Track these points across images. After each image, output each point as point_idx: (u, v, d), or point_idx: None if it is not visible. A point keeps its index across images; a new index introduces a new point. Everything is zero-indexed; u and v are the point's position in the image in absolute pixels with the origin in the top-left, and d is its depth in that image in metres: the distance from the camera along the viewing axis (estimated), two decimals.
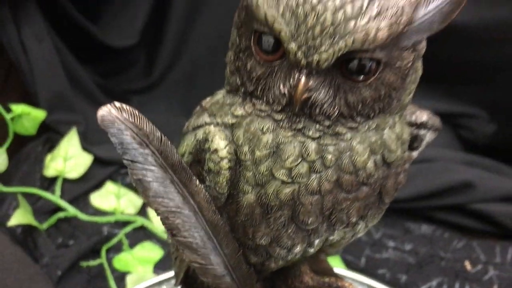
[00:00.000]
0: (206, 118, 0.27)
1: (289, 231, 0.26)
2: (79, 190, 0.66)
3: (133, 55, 0.91)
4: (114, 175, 0.69)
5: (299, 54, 0.22)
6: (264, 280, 0.34)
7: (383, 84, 0.24)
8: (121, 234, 0.60)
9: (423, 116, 0.30)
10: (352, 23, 0.21)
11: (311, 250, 0.28)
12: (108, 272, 0.55)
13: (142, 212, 0.64)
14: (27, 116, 0.63)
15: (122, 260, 0.57)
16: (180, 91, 0.94)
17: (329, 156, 0.24)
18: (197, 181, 0.25)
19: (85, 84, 0.81)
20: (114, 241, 0.59)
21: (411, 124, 0.30)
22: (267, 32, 0.23)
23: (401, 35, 0.23)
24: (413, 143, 0.31)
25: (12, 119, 0.62)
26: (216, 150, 0.25)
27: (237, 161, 0.25)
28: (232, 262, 0.28)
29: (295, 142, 0.24)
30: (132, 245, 0.59)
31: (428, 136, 0.31)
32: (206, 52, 0.92)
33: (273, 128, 0.24)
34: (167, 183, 0.25)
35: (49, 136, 0.70)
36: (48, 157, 0.67)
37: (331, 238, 0.28)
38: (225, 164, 0.25)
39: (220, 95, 0.28)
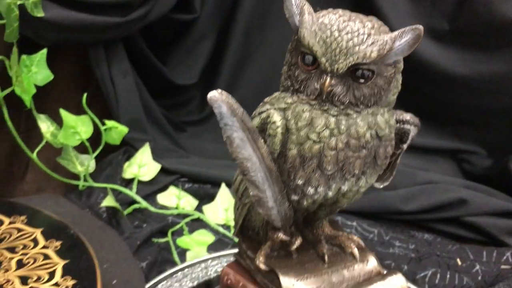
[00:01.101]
0: (267, 106, 0.44)
1: (316, 175, 0.42)
2: (149, 190, 0.83)
3: (192, 92, 1.11)
4: (175, 182, 0.87)
5: (326, 65, 0.39)
6: (296, 227, 0.50)
7: (376, 86, 0.41)
8: (182, 223, 0.76)
9: (407, 116, 0.46)
10: (357, 48, 0.38)
11: (330, 194, 0.43)
12: (173, 248, 0.71)
13: (198, 209, 0.81)
14: (115, 129, 0.82)
15: (183, 241, 0.73)
16: None
17: (342, 127, 0.40)
18: (262, 140, 0.42)
19: (154, 113, 1.00)
20: (177, 227, 0.75)
21: (400, 121, 0.46)
22: (309, 53, 0.40)
23: (385, 56, 0.39)
24: (403, 138, 0.47)
25: (105, 130, 0.80)
26: (274, 122, 0.42)
27: (286, 129, 0.42)
28: (279, 198, 0.44)
29: (322, 117, 0.40)
30: (190, 231, 0.75)
31: (412, 131, 0.47)
32: (252, 94, 1.11)
33: (309, 109, 0.41)
34: (244, 140, 0.41)
35: (127, 149, 0.89)
36: (126, 164, 0.85)
37: (343, 187, 0.43)
38: (279, 131, 0.42)
39: (276, 93, 0.45)
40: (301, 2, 0.41)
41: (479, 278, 0.67)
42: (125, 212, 0.77)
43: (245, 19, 1.07)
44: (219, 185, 0.83)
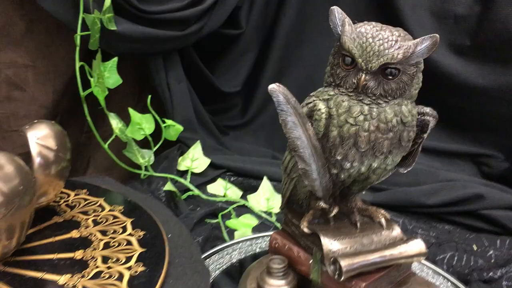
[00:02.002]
0: (313, 98, 0.55)
1: (352, 152, 0.53)
2: (200, 181, 0.95)
3: (235, 100, 1.23)
4: (222, 175, 0.99)
5: (362, 64, 0.50)
6: (333, 199, 0.60)
7: (401, 81, 0.51)
8: (230, 208, 0.88)
9: (427, 109, 0.56)
10: (386, 51, 0.49)
11: (363, 169, 0.54)
12: (223, 228, 0.83)
13: (242, 198, 0.92)
14: (173, 127, 0.94)
15: (231, 223, 0.84)
16: (265, 130, 1.24)
17: (374, 113, 0.51)
18: (309, 124, 0.53)
19: (202, 116, 1.12)
20: (226, 211, 0.87)
21: (421, 113, 0.56)
22: (348, 55, 0.51)
23: (409, 58, 0.50)
24: (423, 128, 0.57)
25: (165, 127, 0.93)
26: (319, 109, 0.53)
27: (329, 115, 0.53)
28: (322, 171, 0.55)
29: (358, 105, 0.51)
30: (237, 216, 0.87)
31: (431, 122, 0.57)
32: None
33: (347, 99, 0.52)
34: (296, 123, 0.52)
35: (180, 145, 1.01)
36: (180, 158, 0.98)
37: (373, 164, 0.54)
38: (323, 116, 0.53)
39: (320, 89, 0.56)
40: (342, 16, 0.52)
41: (492, 261, 0.76)
42: (182, 197, 0.89)
43: (284, 35, 1.19)
44: (260, 178, 0.94)
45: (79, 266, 0.58)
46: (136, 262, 0.59)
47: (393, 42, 0.50)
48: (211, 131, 1.12)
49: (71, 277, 0.57)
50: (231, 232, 0.83)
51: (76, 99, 1.10)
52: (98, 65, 0.82)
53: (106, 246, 0.63)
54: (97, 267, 0.59)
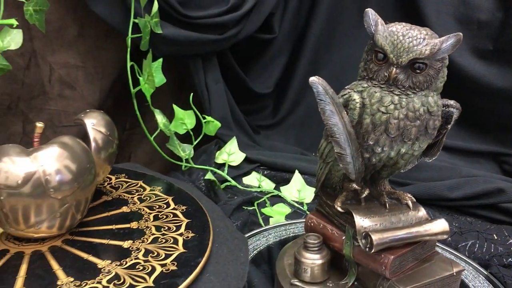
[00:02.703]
0: (348, 90, 0.62)
1: (383, 137, 0.59)
2: (236, 173, 1.03)
3: (266, 101, 1.30)
4: (256, 169, 1.06)
5: (394, 59, 0.57)
6: (364, 183, 0.66)
7: (428, 75, 0.58)
8: (265, 197, 0.94)
9: (451, 101, 0.62)
10: (415, 47, 0.56)
11: (392, 153, 0.60)
12: (258, 215, 0.90)
13: (275, 189, 0.99)
14: (212, 123, 1.02)
15: (266, 210, 0.91)
16: (295, 129, 1.31)
17: (403, 103, 0.58)
18: (345, 112, 0.60)
19: (237, 115, 1.20)
20: (261, 200, 0.93)
21: (445, 105, 0.62)
22: (381, 52, 0.58)
23: (435, 53, 0.56)
24: (448, 120, 0.64)
25: (205, 123, 1.00)
26: (354, 99, 0.60)
27: (362, 105, 0.59)
28: (355, 154, 0.61)
29: (389, 96, 0.58)
30: (271, 205, 0.93)
31: (455, 113, 0.63)
32: (316, 106, 1.28)
33: (379, 91, 0.59)
34: (333, 111, 0.59)
35: (217, 141, 1.09)
36: (217, 152, 1.05)
37: (402, 149, 0.60)
38: (358, 105, 0.59)
39: (354, 82, 0.63)
40: (376, 17, 0.59)
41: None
42: (220, 187, 0.96)
43: (314, 40, 1.26)
44: (292, 172, 1.01)
45: (137, 234, 0.66)
46: (185, 229, 0.67)
47: (421, 40, 0.56)
48: (245, 129, 1.19)
49: (133, 242, 0.65)
50: (266, 219, 0.89)
51: (119, 99, 1.19)
52: (148, 64, 0.90)
53: (156, 218, 0.71)
54: (153, 234, 0.67)
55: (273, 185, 1.01)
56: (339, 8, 1.24)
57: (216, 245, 0.65)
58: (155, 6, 0.95)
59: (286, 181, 1.01)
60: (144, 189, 0.79)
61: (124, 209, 0.73)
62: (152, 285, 0.55)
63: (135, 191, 0.78)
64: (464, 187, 0.94)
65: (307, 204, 0.95)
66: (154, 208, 0.73)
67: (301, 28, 1.26)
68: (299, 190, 0.97)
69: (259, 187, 0.99)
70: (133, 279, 0.56)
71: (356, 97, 0.60)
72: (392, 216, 0.63)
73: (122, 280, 0.56)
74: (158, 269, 0.58)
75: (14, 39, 0.85)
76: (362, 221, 0.62)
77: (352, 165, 0.62)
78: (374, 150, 0.60)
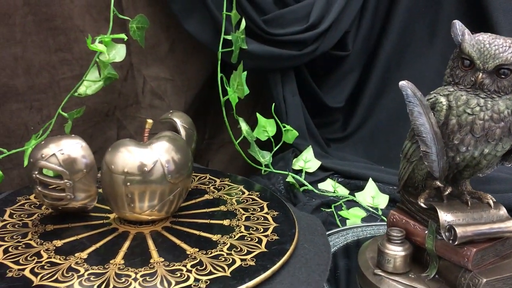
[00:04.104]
0: (434, 94, 0.67)
1: (468, 137, 0.64)
2: (312, 179, 1.09)
3: (337, 115, 1.37)
4: (330, 176, 1.12)
5: (480, 65, 0.62)
6: (446, 182, 0.71)
7: None
8: (341, 201, 1.00)
9: None
10: (501, 54, 0.61)
11: (476, 153, 0.65)
12: (335, 216, 0.95)
13: (350, 195, 1.05)
14: (290, 132, 1.09)
15: (343, 213, 0.96)
16: (364, 143, 1.36)
17: (488, 105, 0.63)
18: (432, 114, 0.65)
19: (310, 127, 1.27)
20: (338, 203, 0.99)
21: None
22: (467, 58, 0.64)
23: None
24: None
25: (285, 131, 1.08)
26: (441, 102, 0.65)
27: (448, 107, 0.65)
28: (440, 153, 0.66)
29: (475, 98, 0.63)
30: (347, 208, 0.99)
31: None
32: (385, 119, 1.34)
33: (465, 94, 0.64)
34: (421, 112, 0.65)
35: (293, 150, 1.16)
36: (294, 160, 1.12)
37: (485, 149, 0.65)
38: (444, 107, 0.65)
39: (439, 88, 0.68)
40: (462, 27, 0.65)
41: None
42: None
43: (385, 58, 1.32)
44: (365, 180, 1.06)
45: (227, 230, 0.74)
46: (271, 232, 0.74)
47: (507, 47, 0.61)
48: (318, 140, 1.26)
49: (221, 236, 0.72)
50: (342, 221, 0.95)
51: (199, 110, 1.29)
52: (239, 74, 0.99)
53: (247, 219, 0.78)
54: (241, 232, 0.74)
55: (347, 192, 1.07)
56: (409, 28, 1.30)
57: (299, 246, 0.72)
58: (243, 23, 1.04)
59: (360, 189, 1.06)
60: (243, 193, 0.87)
61: (222, 208, 0.82)
62: (228, 275, 0.62)
63: (234, 193, 0.87)
64: None
65: (381, 209, 0.99)
66: (249, 210, 0.81)
67: (373, 46, 1.32)
68: (373, 196, 1.02)
69: (334, 192, 1.05)
70: (213, 267, 0.64)
71: (442, 99, 0.65)
72: (474, 213, 0.68)
73: (204, 267, 0.64)
74: (238, 263, 0.65)
75: (118, 53, 0.97)
76: (445, 216, 0.66)
77: (436, 163, 0.67)
78: (459, 149, 0.65)
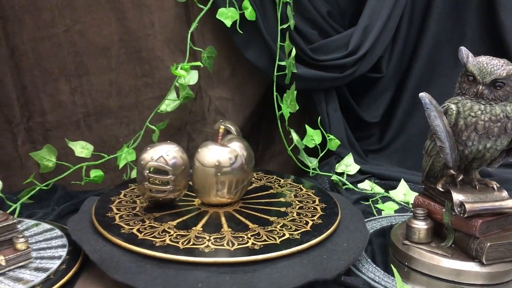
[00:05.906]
0: (446, 103, 0.88)
1: (473, 134, 0.84)
2: (352, 180, 1.29)
3: (373, 129, 1.57)
4: (368, 178, 1.32)
5: (480, 80, 0.83)
6: (459, 171, 0.90)
7: (506, 90, 0.82)
8: (377, 196, 1.20)
9: None
10: (496, 71, 0.81)
11: (480, 147, 0.85)
12: (372, 207, 1.15)
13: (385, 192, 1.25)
14: (334, 141, 1.31)
15: (379, 205, 1.16)
16: (398, 154, 1.55)
17: (488, 110, 0.82)
18: (445, 117, 0.86)
19: (350, 139, 1.47)
20: (375, 198, 1.19)
21: None
22: (471, 75, 0.84)
23: (511, 75, 0.81)
24: None
25: (329, 140, 1.29)
26: (451, 108, 0.86)
27: (457, 112, 0.85)
28: (452, 147, 0.86)
29: (477, 105, 0.83)
30: (382, 202, 1.19)
31: None
32: (417, 134, 1.53)
33: (470, 102, 0.84)
34: (436, 116, 0.85)
35: (336, 156, 1.37)
36: (337, 164, 1.33)
37: (487, 144, 0.84)
38: (454, 112, 0.85)
39: (450, 98, 0.89)
40: (467, 52, 0.85)
41: None
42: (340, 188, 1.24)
43: (416, 78, 1.52)
44: (398, 181, 1.26)
45: (282, 214, 0.95)
46: (317, 218, 0.94)
47: (500, 66, 0.81)
48: (357, 150, 1.47)
49: (277, 218, 0.93)
50: (378, 212, 1.14)
51: (253, 125, 1.51)
52: (291, 93, 1.22)
53: (300, 208, 0.99)
54: (293, 216, 0.94)
55: (383, 190, 1.26)
56: (437, 53, 1.50)
57: (341, 227, 0.93)
58: (294, 51, 1.28)
59: (393, 188, 1.25)
60: (301, 190, 1.08)
61: (281, 199, 1.03)
62: (278, 243, 0.82)
63: (294, 190, 1.08)
64: None
65: (411, 204, 1.18)
66: (303, 202, 1.02)
67: (405, 69, 1.53)
68: (405, 193, 1.21)
69: (371, 190, 1.25)
70: (267, 237, 0.85)
71: (452, 106, 0.86)
72: (481, 195, 0.87)
73: (260, 236, 0.85)
74: (286, 235, 0.85)
75: (192, 77, 1.21)
76: (458, 196, 0.86)
77: (450, 156, 0.87)
78: (466, 144, 0.85)
